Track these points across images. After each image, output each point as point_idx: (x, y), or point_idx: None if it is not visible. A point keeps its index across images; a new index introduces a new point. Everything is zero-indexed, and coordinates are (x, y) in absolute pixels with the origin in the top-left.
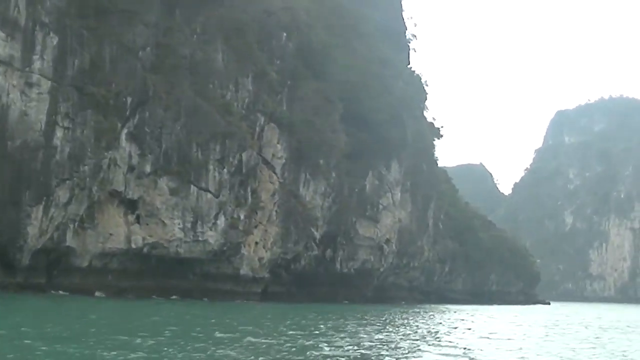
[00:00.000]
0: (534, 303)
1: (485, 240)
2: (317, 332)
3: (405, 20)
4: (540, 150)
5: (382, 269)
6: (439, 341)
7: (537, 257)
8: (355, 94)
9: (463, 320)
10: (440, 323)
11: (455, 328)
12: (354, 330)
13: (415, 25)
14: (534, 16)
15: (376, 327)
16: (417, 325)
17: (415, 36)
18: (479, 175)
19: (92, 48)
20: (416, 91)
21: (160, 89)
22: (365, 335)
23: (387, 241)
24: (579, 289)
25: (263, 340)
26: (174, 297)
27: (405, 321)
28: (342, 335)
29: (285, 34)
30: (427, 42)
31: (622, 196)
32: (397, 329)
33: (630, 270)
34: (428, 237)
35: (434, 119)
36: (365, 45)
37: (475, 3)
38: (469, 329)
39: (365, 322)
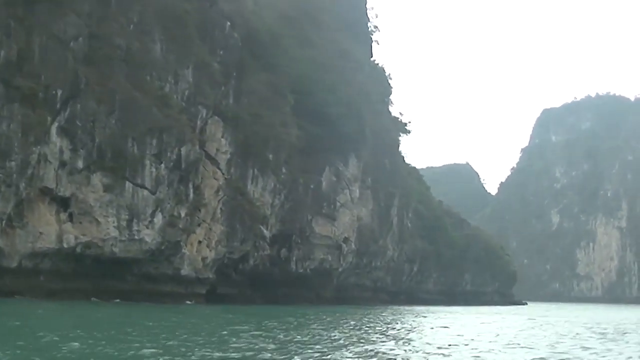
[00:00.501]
0: (511, 304)
1: (458, 239)
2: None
3: (367, 11)
4: (526, 149)
5: (340, 269)
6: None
7: (524, 257)
8: (309, 86)
9: (407, 322)
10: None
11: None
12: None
13: (377, 17)
14: (523, 14)
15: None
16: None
17: (377, 27)
18: (466, 175)
19: (20, 39)
20: (379, 85)
21: (93, 81)
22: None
23: (346, 240)
24: (566, 289)
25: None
26: (117, 300)
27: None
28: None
29: (229, 24)
30: (415, 40)
31: (608, 195)
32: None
33: (618, 270)
34: (392, 235)
35: (400, 114)
36: (322, 36)
37: (464, 0)
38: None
39: (294, 324)
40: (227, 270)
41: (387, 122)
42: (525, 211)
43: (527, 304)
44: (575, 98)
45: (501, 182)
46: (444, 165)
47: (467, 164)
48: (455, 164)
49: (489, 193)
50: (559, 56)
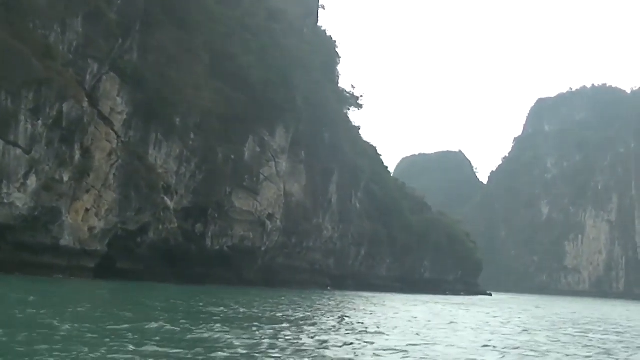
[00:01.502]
0: (475, 294)
1: (417, 223)
2: None
3: None
4: (519, 139)
5: (264, 248)
6: None
7: (511, 248)
8: (229, 47)
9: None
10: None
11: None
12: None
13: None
14: (519, 5)
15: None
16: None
17: None
18: (458, 163)
19: None
20: (322, 53)
21: None
22: None
23: (270, 216)
24: (553, 281)
25: None
26: None
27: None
28: None
29: None
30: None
31: (599, 187)
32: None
33: (606, 264)
34: (332, 215)
35: (352, 87)
36: None
37: None
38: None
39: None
40: (128, 243)
41: (330, 93)
42: (514, 201)
43: (491, 294)
44: (571, 88)
45: (492, 171)
46: (436, 152)
47: (460, 151)
48: (448, 151)
49: (481, 182)
50: (558, 45)
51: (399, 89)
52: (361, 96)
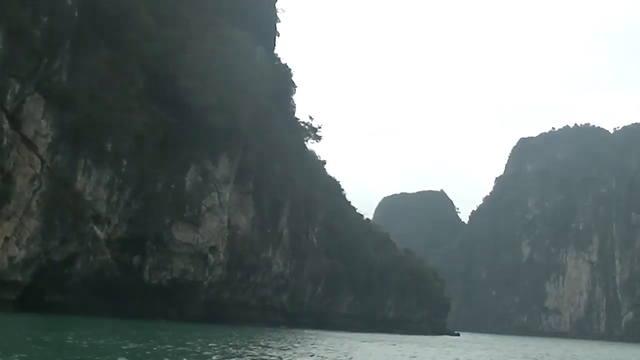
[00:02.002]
0: (441, 333)
1: (380, 261)
2: None
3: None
4: (500, 178)
5: (206, 283)
6: None
7: (492, 289)
8: (169, 70)
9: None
10: None
11: None
12: None
13: (283, 11)
14: (502, 41)
15: None
16: None
17: (281, 13)
18: (440, 202)
19: None
20: (275, 81)
21: None
22: None
23: (213, 249)
24: (534, 322)
25: None
26: None
27: None
28: None
29: None
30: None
31: (580, 228)
32: None
33: (587, 305)
34: (283, 249)
35: (310, 117)
36: (195, 18)
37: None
38: None
39: None
40: (55, 274)
41: (283, 123)
42: (495, 242)
43: (459, 334)
44: (554, 128)
45: (473, 211)
46: (418, 192)
47: (442, 191)
48: (429, 190)
49: (463, 222)
50: (543, 84)
51: (379, 125)
52: (319, 127)
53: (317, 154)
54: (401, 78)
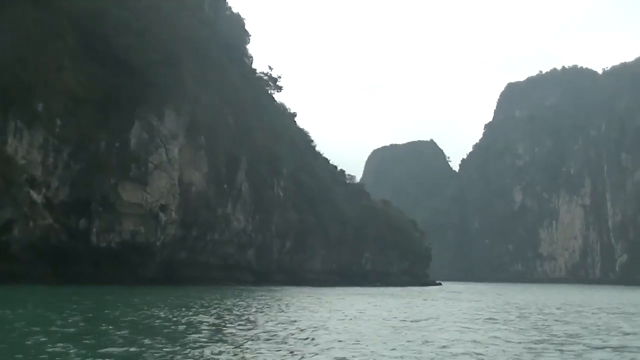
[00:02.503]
0: (423, 284)
1: (354, 213)
2: None
3: None
4: (489, 125)
5: (159, 243)
6: None
7: (485, 238)
8: (102, 28)
9: None
10: None
11: None
12: None
13: None
14: None
15: None
16: None
17: None
18: (430, 152)
19: None
20: (228, 34)
21: None
22: None
23: (164, 208)
24: (529, 270)
25: None
26: None
27: None
28: None
29: None
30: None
31: (571, 172)
32: None
33: (581, 250)
34: (244, 205)
35: (270, 68)
36: None
37: None
38: None
39: None
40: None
41: (237, 75)
42: (487, 190)
43: (441, 284)
44: (541, 71)
45: (462, 159)
46: (407, 143)
47: (432, 140)
48: (419, 141)
49: (455, 171)
50: (530, 26)
51: (367, 76)
52: (279, 77)
53: (286, 107)
54: (389, 32)
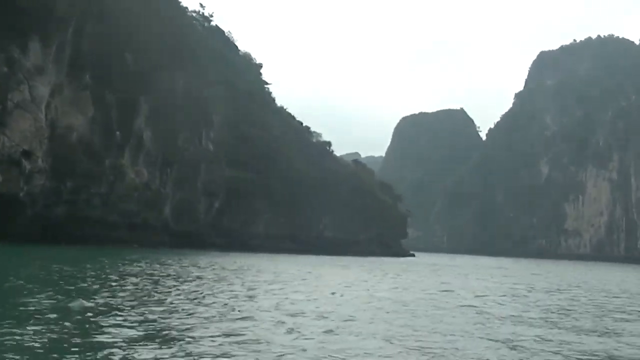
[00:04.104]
0: (396, 255)
1: (312, 173)
2: None
3: None
4: (519, 94)
5: (22, 194)
6: None
7: (510, 211)
8: None
9: None
10: None
11: None
12: None
13: None
14: None
15: None
16: None
17: None
18: (460, 121)
19: None
20: None
21: None
22: None
23: (27, 154)
24: (552, 245)
25: None
26: None
27: None
28: None
29: None
30: None
31: (600, 144)
32: None
33: (607, 226)
34: (147, 156)
35: (201, 5)
36: None
37: None
38: None
39: None
40: None
41: (143, 5)
42: (513, 160)
43: (414, 255)
44: (575, 40)
45: (490, 129)
46: (438, 111)
47: (462, 109)
48: (449, 109)
49: (483, 141)
50: None
51: (398, 43)
52: (211, 15)
53: (252, 57)
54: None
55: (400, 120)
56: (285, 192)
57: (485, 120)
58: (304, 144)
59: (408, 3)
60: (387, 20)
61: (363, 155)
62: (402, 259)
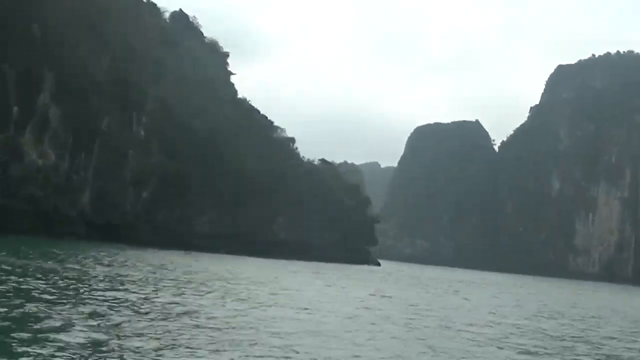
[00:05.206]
0: (361, 262)
1: (265, 170)
2: None
3: None
4: (535, 108)
5: None
6: None
7: (519, 225)
8: None
9: None
10: None
11: None
12: None
13: None
14: None
15: None
16: None
17: None
18: (474, 133)
19: None
20: None
21: None
22: None
23: None
24: (559, 262)
25: None
26: None
27: None
28: None
29: None
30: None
31: (612, 160)
32: None
33: (617, 245)
34: (54, 137)
35: None
36: None
37: None
38: None
39: None
40: None
41: None
42: (524, 174)
43: (379, 264)
44: (594, 55)
45: (502, 142)
46: (452, 122)
47: (477, 121)
48: (464, 121)
49: (496, 152)
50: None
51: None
52: None
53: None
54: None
55: (415, 130)
56: (232, 188)
57: (499, 132)
58: (263, 139)
59: (425, 14)
60: (411, 29)
61: (382, 166)
62: (358, 266)
